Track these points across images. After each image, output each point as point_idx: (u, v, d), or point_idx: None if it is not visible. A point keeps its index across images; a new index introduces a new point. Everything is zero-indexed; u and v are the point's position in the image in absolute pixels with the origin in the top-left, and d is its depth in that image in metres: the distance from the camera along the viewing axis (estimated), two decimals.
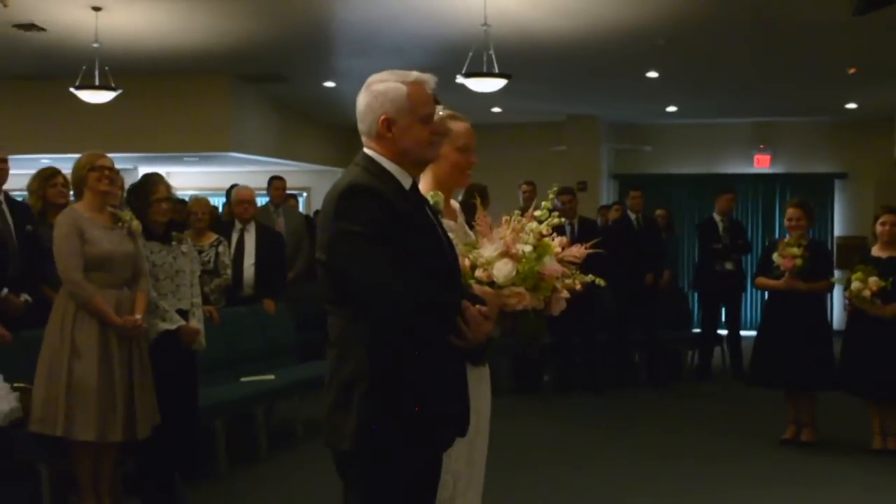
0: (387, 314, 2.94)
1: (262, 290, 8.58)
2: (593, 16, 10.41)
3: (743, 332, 11.76)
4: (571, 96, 15.22)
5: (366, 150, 3.17)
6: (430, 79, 3.22)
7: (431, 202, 3.45)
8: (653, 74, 13.17)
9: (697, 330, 12.44)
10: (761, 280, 8.10)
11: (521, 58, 11.64)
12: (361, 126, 3.17)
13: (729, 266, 11.41)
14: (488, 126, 17.12)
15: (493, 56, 10.46)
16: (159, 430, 5.79)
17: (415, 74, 3.17)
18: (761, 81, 13.55)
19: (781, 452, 7.82)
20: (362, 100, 3.16)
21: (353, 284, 2.96)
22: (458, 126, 3.87)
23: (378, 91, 3.13)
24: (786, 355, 7.72)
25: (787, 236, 7.95)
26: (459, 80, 10.70)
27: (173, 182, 18.67)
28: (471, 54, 10.51)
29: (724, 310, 11.75)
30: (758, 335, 8.18)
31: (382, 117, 3.11)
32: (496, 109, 16.12)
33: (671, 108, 15.90)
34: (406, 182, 3.16)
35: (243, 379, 7.73)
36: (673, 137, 17.41)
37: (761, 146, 17.10)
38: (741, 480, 7.04)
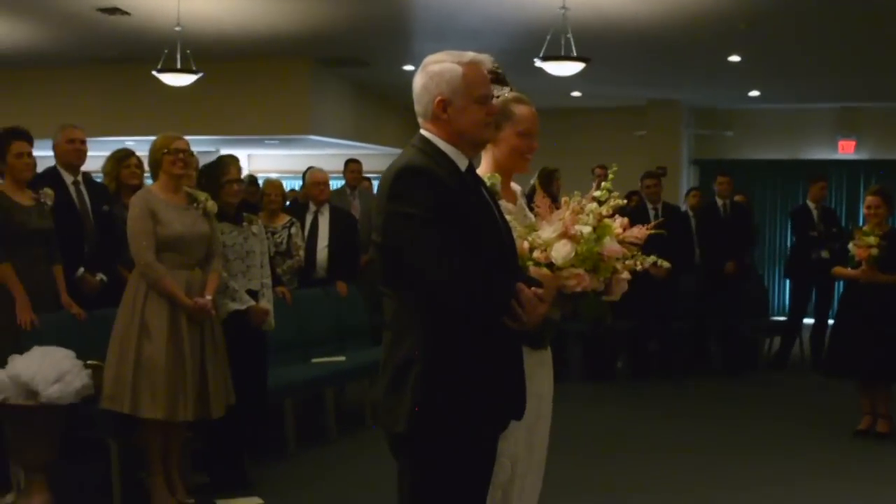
0: (440, 296, 2.93)
1: (335, 272, 8.61)
2: None
3: (830, 322, 11.51)
4: (652, 81, 15.04)
5: (422, 131, 3.15)
6: (486, 59, 3.19)
7: (489, 184, 3.42)
8: (735, 58, 12.95)
9: (779, 318, 12.21)
10: (838, 270, 7.96)
11: (599, 41, 11.54)
12: (418, 107, 3.15)
13: (825, 254, 11.15)
14: (568, 111, 17.03)
15: (572, 40, 10.38)
16: (229, 409, 5.86)
17: (470, 55, 3.14)
18: (845, 65, 13.23)
19: (856, 443, 7.67)
20: (418, 81, 3.14)
21: (407, 266, 2.95)
22: (522, 110, 3.81)
23: (433, 72, 3.10)
24: (862, 346, 7.57)
25: (866, 224, 7.78)
26: (537, 63, 10.64)
27: (254, 165, 18.99)
28: (549, 38, 10.44)
29: (814, 299, 11.52)
30: (834, 325, 8.04)
31: (438, 98, 3.08)
32: (576, 94, 16.00)
33: (753, 93, 15.62)
34: (462, 164, 3.13)
35: (314, 360, 7.77)
36: (755, 122, 17.10)
37: (846, 132, 16.72)
38: (814, 471, 6.94)
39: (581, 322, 10.02)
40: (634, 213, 8.87)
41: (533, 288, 3.00)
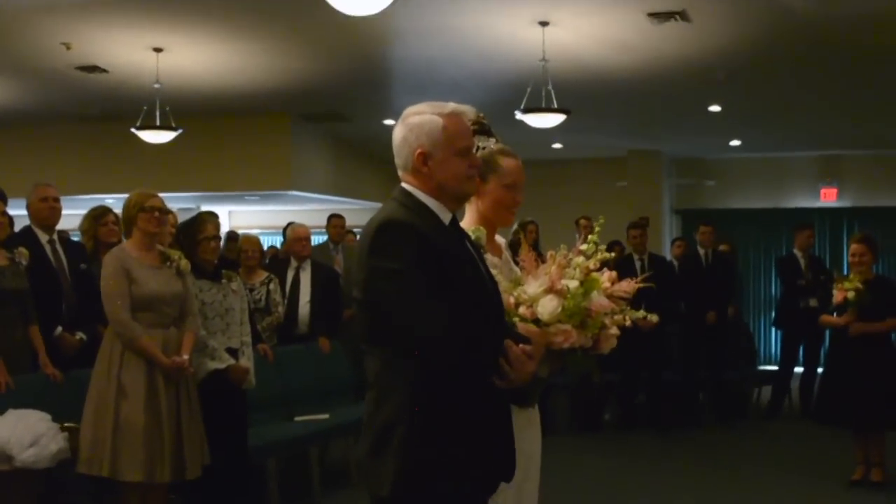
0: (425, 354, 2.83)
1: (317, 328, 8.52)
2: (652, 50, 10.29)
3: (819, 370, 11.42)
4: (633, 131, 15.08)
5: (403, 184, 3.07)
6: (469, 110, 3.13)
7: (473, 237, 3.34)
8: (715, 108, 13.01)
9: (767, 367, 12.10)
10: (825, 318, 7.91)
11: (580, 93, 11.56)
12: (398, 160, 3.07)
13: (813, 303, 11.07)
14: (549, 162, 17.03)
15: (552, 91, 10.40)
16: (209, 470, 5.73)
17: (451, 106, 3.06)
18: (825, 113, 13.31)
19: (851, 493, 7.56)
20: (398, 133, 3.06)
21: (389, 323, 2.86)
22: (508, 163, 3.73)
23: (413, 123, 3.02)
24: (852, 394, 7.48)
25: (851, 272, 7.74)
26: (518, 115, 10.64)
27: (235, 221, 18.92)
28: (529, 90, 10.45)
29: (802, 347, 11.44)
30: (823, 373, 7.97)
31: (418, 151, 3.00)
32: (557, 145, 16.02)
33: (734, 142, 15.68)
34: (445, 217, 3.05)
35: (297, 418, 7.64)
36: (736, 171, 17.14)
37: (828, 179, 16.76)
38: None
39: (567, 375, 9.91)
40: (621, 265, 8.82)
41: (521, 345, 2.91)
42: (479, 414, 2.91)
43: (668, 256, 12.19)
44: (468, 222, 3.67)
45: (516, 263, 3.73)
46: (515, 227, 9.73)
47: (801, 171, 16.88)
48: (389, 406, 2.89)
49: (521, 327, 3.23)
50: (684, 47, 10.16)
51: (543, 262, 3.52)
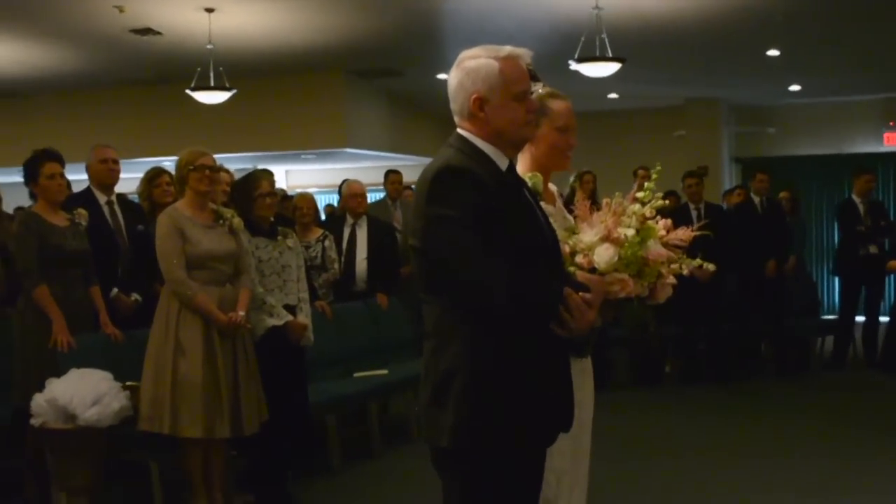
0: (484, 302, 2.78)
1: (375, 284, 8.52)
2: None
3: (881, 319, 11.23)
4: (690, 79, 14.86)
5: (459, 130, 3.01)
6: (525, 53, 3.03)
7: (530, 184, 3.28)
8: (774, 53, 12.75)
9: (830, 316, 11.95)
10: (892, 264, 7.74)
11: (635, 41, 11.40)
12: (453, 105, 3.01)
13: (873, 249, 10.88)
14: (605, 113, 16.89)
15: (606, 40, 10.27)
16: (269, 426, 5.77)
17: (508, 49, 2.98)
18: (889, 54, 12.96)
19: None
20: (454, 78, 2.99)
21: (447, 272, 2.81)
22: (558, 105, 3.68)
23: (469, 68, 2.96)
24: None
25: None
26: (572, 65, 10.53)
27: (292, 180, 19.00)
28: (583, 39, 10.33)
29: (863, 295, 11.24)
30: (890, 320, 7.80)
31: (474, 96, 2.94)
32: (612, 95, 15.87)
33: (794, 87, 15.39)
34: (502, 163, 2.98)
35: (356, 374, 7.67)
36: (797, 117, 16.86)
37: (892, 123, 16.41)
38: (872, 474, 6.70)
39: (626, 328, 9.85)
40: (677, 214, 8.71)
41: (581, 293, 2.85)
42: (539, 363, 2.87)
43: (723, 206, 12.01)
44: (522, 169, 3.60)
45: (570, 212, 3.67)
46: (573, 178, 9.70)
47: (864, 116, 16.55)
48: (448, 355, 2.85)
49: (581, 275, 3.17)
50: None
51: (598, 210, 3.46)
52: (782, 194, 11.76)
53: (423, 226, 2.85)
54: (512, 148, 3.04)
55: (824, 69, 14.08)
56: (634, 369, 10.42)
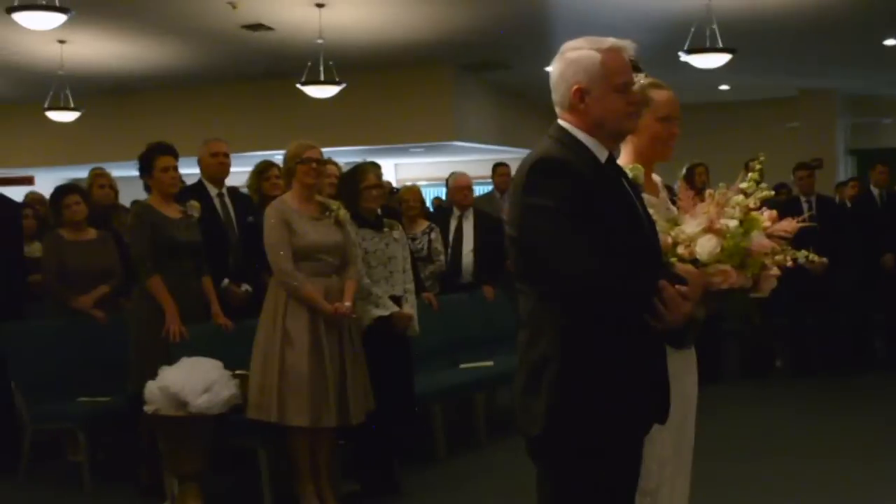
0: (578, 293, 2.79)
1: (481, 276, 8.55)
2: None
3: None
4: (803, 70, 14.60)
5: (560, 121, 3.01)
6: (627, 45, 3.02)
7: (630, 176, 3.27)
8: (891, 42, 12.45)
9: None
10: None
11: (746, 31, 11.24)
12: (555, 96, 3.01)
13: None
14: (717, 104, 16.70)
15: (717, 30, 10.16)
16: (376, 415, 5.84)
17: (610, 41, 2.98)
18: None
19: None
20: (555, 68, 3.00)
21: (543, 262, 2.83)
22: (660, 95, 3.65)
23: (571, 59, 2.96)
24: None
25: None
26: (682, 57, 10.43)
27: (401, 174, 19.15)
28: (693, 30, 10.24)
29: None
30: None
31: (575, 87, 2.94)
32: (724, 87, 15.68)
33: None
34: (602, 155, 2.98)
35: (462, 365, 7.71)
36: None
37: None
38: None
39: (733, 320, 9.71)
40: (787, 206, 8.55)
41: (677, 286, 2.84)
42: (633, 354, 2.87)
43: (837, 197, 11.74)
44: (625, 160, 3.60)
45: (674, 203, 3.65)
46: (684, 171, 9.57)
47: None
48: (541, 344, 2.86)
49: (679, 267, 3.14)
50: None
51: (702, 200, 3.43)
52: None
53: (518, 215, 2.87)
54: (612, 139, 3.04)
55: None
56: (744, 362, 10.27)
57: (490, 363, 7.79)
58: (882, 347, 10.74)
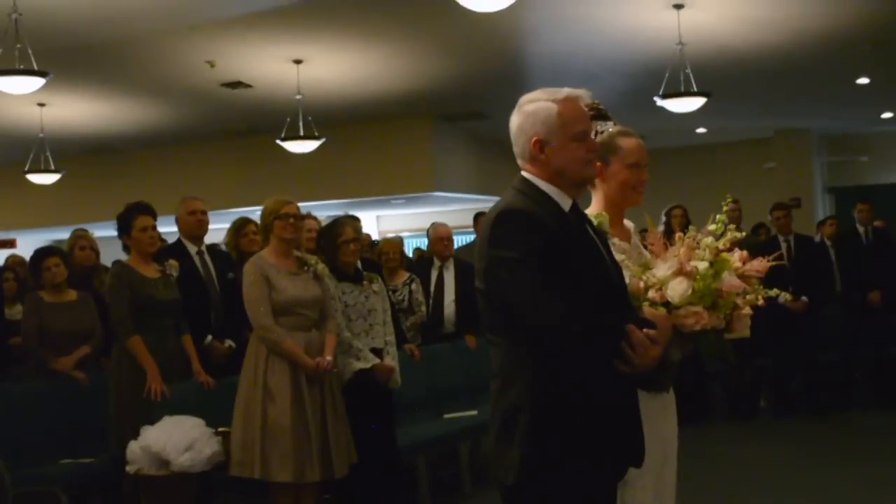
0: (544, 341, 2.82)
1: (463, 325, 8.55)
2: (792, 25, 10.05)
3: None
4: (778, 110, 14.73)
5: (522, 172, 3.07)
6: (583, 94, 3.08)
7: (596, 223, 3.31)
8: (863, 80, 12.61)
9: None
10: None
11: (720, 74, 11.36)
12: (515, 148, 3.08)
13: None
14: (694, 148, 16.85)
15: (691, 75, 10.25)
16: (359, 468, 5.82)
17: (566, 91, 3.04)
18: None
19: None
20: (514, 121, 3.07)
21: (510, 312, 2.86)
22: (628, 142, 3.70)
23: (528, 111, 3.03)
24: None
25: None
26: (658, 102, 10.51)
27: (383, 225, 19.18)
28: (667, 75, 10.33)
29: None
30: None
31: (534, 139, 3.01)
32: (701, 130, 15.80)
33: (887, 115, 15.15)
34: (565, 203, 3.03)
35: (446, 416, 7.71)
36: (891, 145, 16.58)
37: None
38: None
39: (717, 362, 9.72)
40: (766, 247, 8.60)
41: (645, 329, 2.87)
42: (604, 399, 2.89)
43: (816, 237, 11.81)
44: (595, 208, 3.65)
45: (646, 248, 3.68)
46: (663, 214, 9.64)
47: None
48: (513, 394, 2.89)
49: (647, 311, 3.18)
50: (825, 20, 9.89)
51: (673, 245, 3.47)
52: (877, 223, 11.54)
53: (485, 268, 2.91)
54: (574, 187, 3.08)
55: None
56: (729, 403, 10.27)
57: (474, 412, 7.77)
58: (868, 385, 10.74)
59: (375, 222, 19.25)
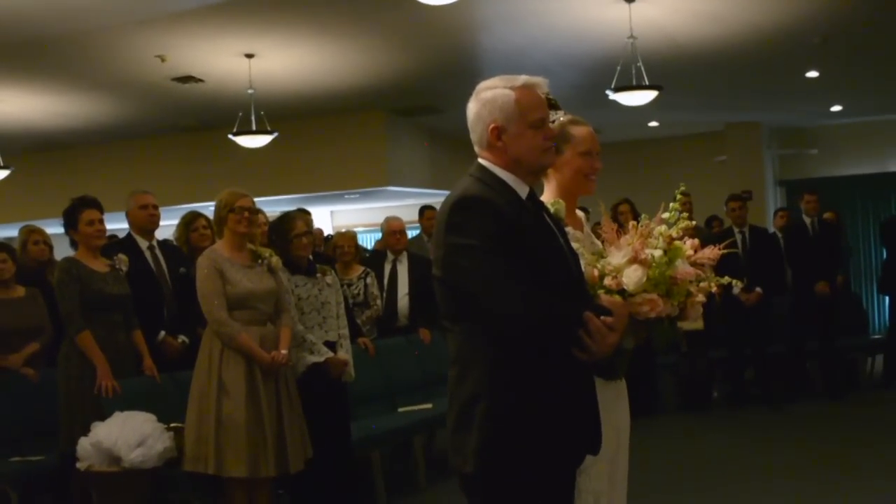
0: (504, 328, 2.81)
1: (417, 319, 8.54)
2: (742, 19, 10.10)
3: None
4: (729, 104, 14.83)
5: (479, 159, 3.06)
6: (541, 81, 3.07)
7: (552, 210, 3.31)
8: (813, 74, 12.71)
9: (877, 336, 11.79)
10: None
11: (671, 68, 11.41)
12: (473, 136, 3.06)
13: None
14: (647, 141, 16.91)
15: (643, 68, 10.27)
16: (315, 464, 5.79)
17: (523, 78, 3.02)
18: None
19: None
20: (472, 108, 3.05)
21: (468, 299, 2.84)
22: (580, 130, 3.70)
23: (486, 98, 3.01)
24: None
25: None
26: (610, 95, 10.54)
27: (337, 220, 19.10)
28: (619, 68, 10.34)
29: None
30: None
31: (492, 126, 2.99)
32: (653, 124, 15.85)
33: (836, 108, 15.30)
34: (522, 191, 3.02)
35: (401, 409, 7.70)
36: (840, 137, 16.74)
37: None
38: None
39: (671, 353, 9.80)
40: (721, 238, 8.66)
41: (602, 317, 2.86)
42: (561, 387, 2.88)
43: (771, 228, 11.92)
44: (548, 196, 3.64)
45: (598, 237, 3.68)
46: (608, 209, 9.66)
47: None
48: (470, 381, 2.87)
49: (604, 299, 3.17)
50: (775, 14, 9.95)
51: (626, 234, 3.47)
52: (827, 215, 11.66)
53: (442, 255, 2.89)
54: (531, 175, 3.07)
55: (864, 88, 13.99)
56: (682, 394, 10.34)
57: (429, 405, 7.77)
58: (818, 375, 10.86)
59: (329, 217, 19.18)
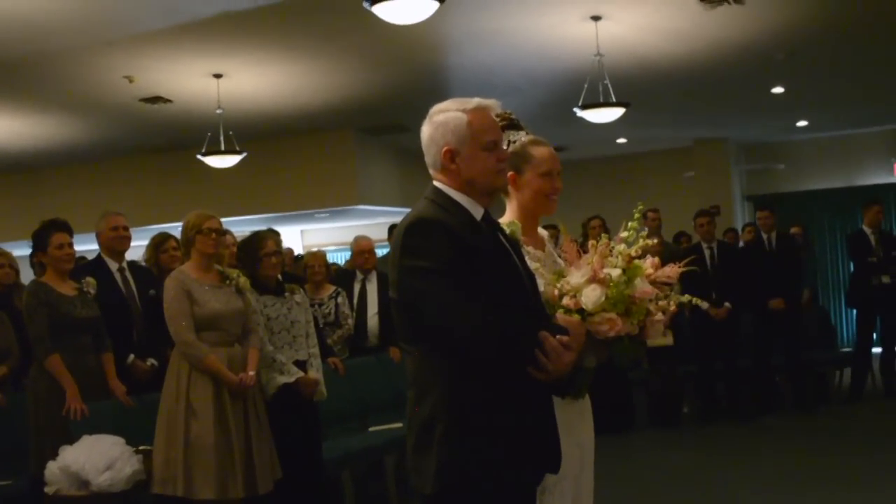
0: (459, 349, 2.83)
1: (386, 338, 8.55)
2: (707, 36, 10.20)
3: None
4: (696, 120, 14.96)
5: (434, 182, 3.10)
6: (493, 104, 3.12)
7: (508, 231, 3.34)
8: (778, 90, 12.85)
9: (847, 349, 11.89)
10: None
11: (638, 85, 11.51)
12: (427, 158, 3.11)
13: (885, 279, 10.86)
14: (615, 158, 17.02)
15: (610, 86, 10.35)
16: (286, 484, 5.79)
17: (476, 101, 3.07)
18: (893, 84, 13.00)
19: None
20: (425, 131, 3.10)
21: (423, 321, 2.87)
22: (540, 151, 3.73)
23: (439, 122, 3.05)
24: None
25: None
26: (578, 112, 10.61)
27: (307, 240, 19.09)
28: (586, 86, 10.42)
29: (879, 326, 11.20)
30: None
31: (445, 148, 3.03)
32: (621, 140, 15.96)
33: (802, 123, 15.45)
34: (477, 212, 3.05)
35: (372, 429, 7.70)
36: (806, 152, 16.91)
37: None
38: None
39: (641, 370, 9.85)
40: (690, 254, 8.72)
41: (558, 336, 2.89)
42: (519, 407, 2.90)
43: (741, 243, 12.01)
44: (509, 216, 3.67)
45: (560, 256, 3.72)
46: (582, 226, 9.76)
47: (872, 147, 16.61)
48: (428, 403, 2.89)
49: (560, 318, 3.21)
50: (739, 31, 10.06)
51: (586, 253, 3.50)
52: (794, 229, 11.77)
53: (398, 278, 2.92)
54: (485, 196, 3.10)
55: (830, 103, 14.15)
56: (652, 410, 10.38)
57: (399, 425, 7.75)
58: (786, 388, 10.93)
59: (300, 237, 19.16)
